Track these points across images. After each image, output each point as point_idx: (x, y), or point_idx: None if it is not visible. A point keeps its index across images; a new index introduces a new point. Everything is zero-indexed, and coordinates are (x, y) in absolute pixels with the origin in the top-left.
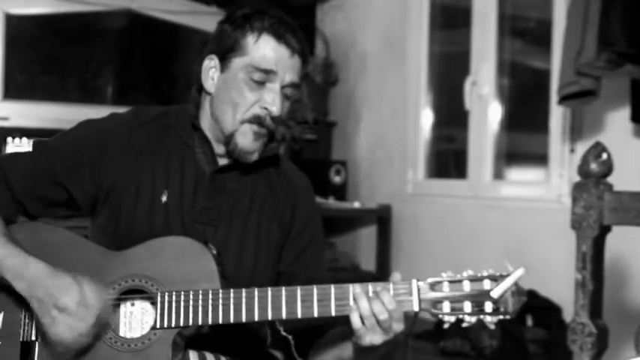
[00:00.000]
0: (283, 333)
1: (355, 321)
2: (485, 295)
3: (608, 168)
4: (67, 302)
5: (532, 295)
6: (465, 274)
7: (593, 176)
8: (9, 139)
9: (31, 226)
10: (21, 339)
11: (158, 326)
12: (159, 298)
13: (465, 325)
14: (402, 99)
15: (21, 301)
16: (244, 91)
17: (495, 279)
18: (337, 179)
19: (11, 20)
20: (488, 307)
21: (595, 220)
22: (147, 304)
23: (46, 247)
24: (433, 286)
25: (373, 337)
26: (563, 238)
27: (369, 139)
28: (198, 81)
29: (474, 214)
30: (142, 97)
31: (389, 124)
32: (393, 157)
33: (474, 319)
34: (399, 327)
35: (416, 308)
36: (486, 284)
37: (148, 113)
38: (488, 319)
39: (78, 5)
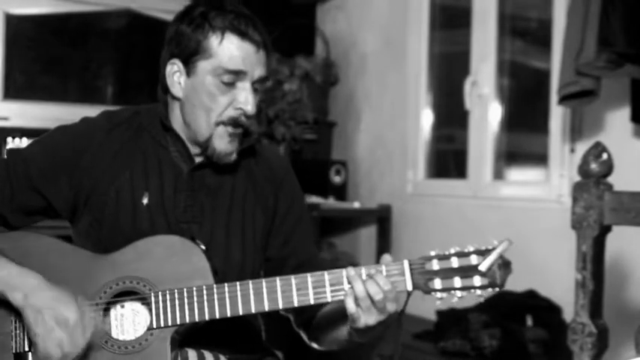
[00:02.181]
0: (282, 312)
1: (350, 305)
2: (474, 269)
3: (608, 168)
4: (68, 316)
5: (532, 295)
6: (452, 251)
7: (593, 176)
8: (9, 139)
9: (14, 235)
10: (13, 350)
11: (155, 326)
12: (153, 299)
13: (455, 300)
14: (402, 99)
15: (10, 313)
16: (216, 96)
17: (482, 253)
18: (337, 179)
19: (11, 20)
20: (477, 280)
21: (595, 220)
22: (137, 305)
23: (32, 255)
24: (423, 265)
25: (368, 319)
26: (563, 238)
27: (369, 139)
28: (163, 81)
29: (474, 214)
30: (141, 97)
31: (389, 124)
32: (393, 157)
33: (465, 294)
34: (392, 307)
35: (409, 288)
36: (474, 259)
37: (119, 115)
38: (478, 292)
39: (78, 5)
